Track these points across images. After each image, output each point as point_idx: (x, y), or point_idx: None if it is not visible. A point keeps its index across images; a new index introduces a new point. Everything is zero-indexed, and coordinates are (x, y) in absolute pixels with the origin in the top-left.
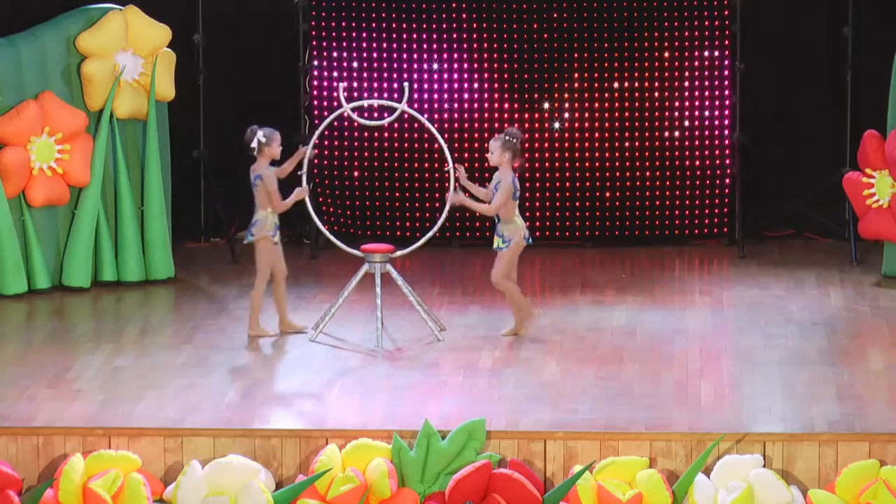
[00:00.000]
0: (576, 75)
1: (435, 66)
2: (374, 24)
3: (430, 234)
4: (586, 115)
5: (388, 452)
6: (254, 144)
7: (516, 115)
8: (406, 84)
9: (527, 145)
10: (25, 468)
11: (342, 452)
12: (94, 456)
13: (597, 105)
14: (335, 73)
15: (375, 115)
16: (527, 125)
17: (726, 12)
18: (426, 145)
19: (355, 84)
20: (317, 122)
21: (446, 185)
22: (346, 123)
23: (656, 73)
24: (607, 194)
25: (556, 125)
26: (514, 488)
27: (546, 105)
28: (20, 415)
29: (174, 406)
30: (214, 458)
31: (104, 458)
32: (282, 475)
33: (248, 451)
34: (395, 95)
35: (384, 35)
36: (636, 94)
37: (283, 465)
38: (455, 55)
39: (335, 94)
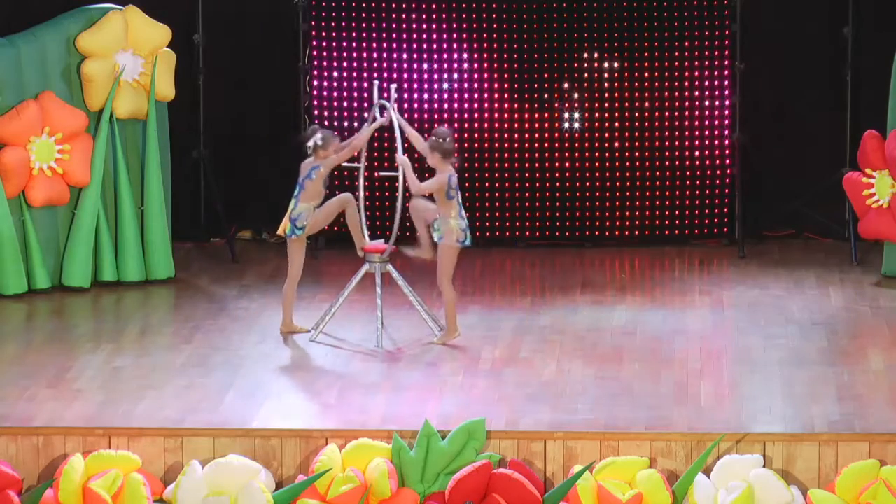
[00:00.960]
0: (575, 75)
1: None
2: (374, 24)
3: (398, 215)
4: (586, 115)
5: (388, 452)
6: (310, 144)
7: (516, 115)
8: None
9: (526, 145)
10: (25, 468)
11: (342, 452)
12: (94, 456)
13: (597, 105)
14: (335, 73)
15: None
16: (527, 125)
17: (726, 12)
18: None
19: (355, 84)
20: (316, 122)
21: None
22: (345, 124)
23: (656, 73)
24: (607, 194)
25: (566, 125)
26: (514, 488)
27: (546, 105)
28: (20, 415)
29: (174, 406)
30: (214, 458)
31: (104, 458)
32: (282, 475)
33: (248, 451)
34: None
35: (384, 35)
36: (636, 94)
37: (283, 465)
38: (455, 55)
39: (330, 94)
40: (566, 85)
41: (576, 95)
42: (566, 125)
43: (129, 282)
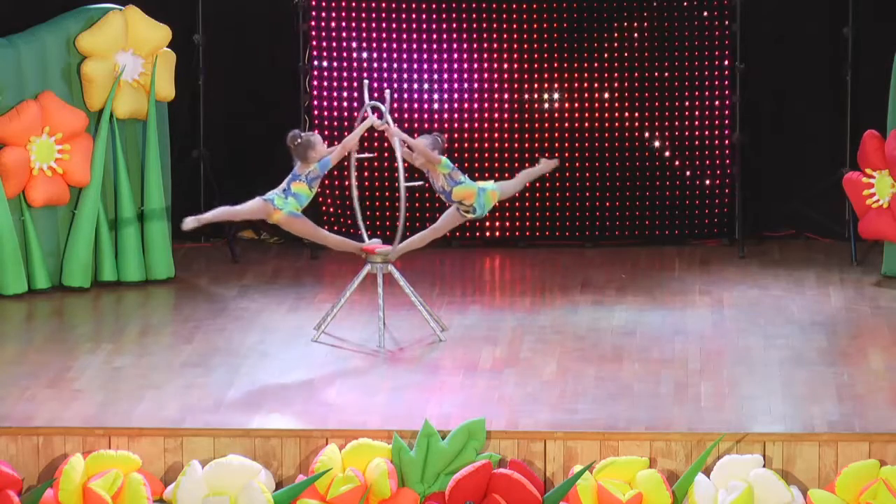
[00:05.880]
0: (575, 75)
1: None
2: (374, 24)
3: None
4: (586, 114)
5: (388, 452)
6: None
7: (516, 116)
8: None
9: (527, 145)
10: (25, 468)
11: (342, 452)
12: (94, 456)
13: (597, 105)
14: (335, 73)
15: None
16: (526, 125)
17: (726, 12)
18: None
19: (355, 84)
20: (316, 122)
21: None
22: (345, 124)
23: (656, 73)
24: (607, 194)
25: (566, 125)
26: (514, 488)
27: (546, 105)
28: (20, 415)
29: (174, 406)
30: (214, 458)
31: (104, 458)
32: (282, 475)
33: (248, 451)
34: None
35: (384, 35)
36: (636, 94)
37: (283, 465)
38: (455, 55)
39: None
40: (566, 85)
41: (575, 95)
42: (566, 125)
43: (129, 282)
